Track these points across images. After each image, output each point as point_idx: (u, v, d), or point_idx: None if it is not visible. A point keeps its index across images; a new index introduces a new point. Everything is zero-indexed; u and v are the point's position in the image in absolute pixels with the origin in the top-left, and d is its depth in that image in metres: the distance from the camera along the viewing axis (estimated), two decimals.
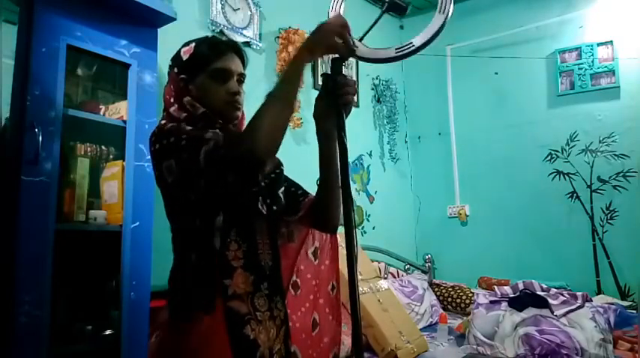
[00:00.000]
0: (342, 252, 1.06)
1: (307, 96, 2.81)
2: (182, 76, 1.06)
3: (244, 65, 1.12)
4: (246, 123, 0.97)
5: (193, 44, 1.09)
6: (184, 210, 1.01)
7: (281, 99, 0.94)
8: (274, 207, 1.09)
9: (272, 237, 1.09)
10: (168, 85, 1.10)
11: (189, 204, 0.99)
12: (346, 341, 1.24)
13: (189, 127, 1.00)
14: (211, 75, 1.05)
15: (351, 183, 1.10)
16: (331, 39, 0.98)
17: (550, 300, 2.35)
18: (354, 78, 3.36)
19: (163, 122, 1.05)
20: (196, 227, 0.99)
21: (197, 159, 0.92)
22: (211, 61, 1.06)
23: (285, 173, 1.17)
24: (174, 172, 0.97)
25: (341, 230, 1.08)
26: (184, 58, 1.08)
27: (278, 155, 1.07)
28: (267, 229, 1.08)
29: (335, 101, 1.04)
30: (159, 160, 0.99)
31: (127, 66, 1.62)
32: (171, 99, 1.07)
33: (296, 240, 1.20)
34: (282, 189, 1.15)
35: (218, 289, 0.97)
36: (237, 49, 1.10)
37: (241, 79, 1.10)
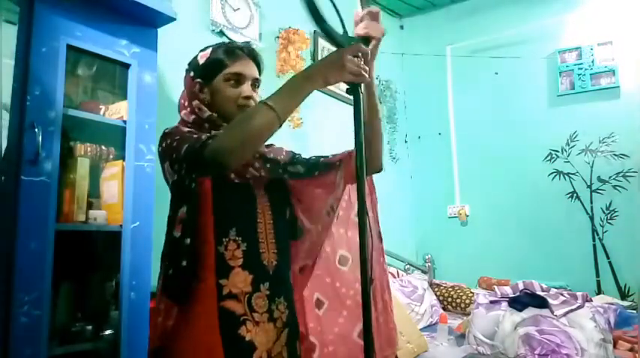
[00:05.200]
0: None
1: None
2: (197, 79, 1.08)
3: (260, 70, 1.13)
4: None
5: (210, 49, 1.10)
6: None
7: (276, 110, 0.88)
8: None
9: (277, 236, 1.08)
10: (183, 90, 1.12)
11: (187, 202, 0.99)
12: None
13: (189, 129, 1.01)
14: (226, 79, 1.06)
15: None
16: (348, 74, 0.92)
17: (550, 300, 2.34)
18: None
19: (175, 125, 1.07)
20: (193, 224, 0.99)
21: (180, 153, 0.95)
22: (226, 65, 1.07)
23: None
24: (171, 173, 1.00)
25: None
26: (200, 62, 1.09)
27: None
28: (272, 228, 1.07)
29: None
30: (161, 162, 1.03)
31: (127, 66, 1.62)
32: (185, 103, 1.09)
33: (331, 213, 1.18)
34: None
35: (212, 289, 0.97)
36: (253, 54, 1.11)
37: (256, 83, 1.10)
